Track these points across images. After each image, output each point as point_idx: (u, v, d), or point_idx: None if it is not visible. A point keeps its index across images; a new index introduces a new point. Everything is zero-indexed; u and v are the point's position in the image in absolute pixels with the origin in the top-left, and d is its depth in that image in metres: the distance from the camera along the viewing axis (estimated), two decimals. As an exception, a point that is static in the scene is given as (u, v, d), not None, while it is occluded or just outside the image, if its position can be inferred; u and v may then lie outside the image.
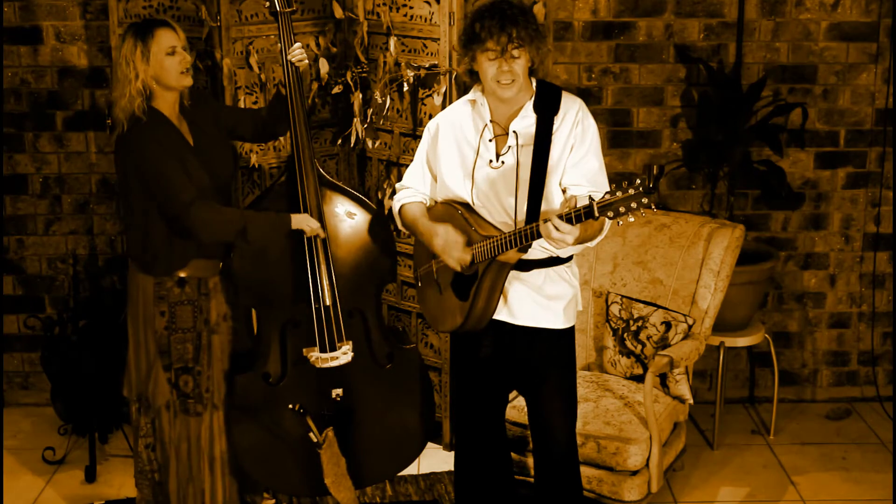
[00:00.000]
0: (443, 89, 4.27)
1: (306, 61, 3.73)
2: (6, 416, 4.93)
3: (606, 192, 3.00)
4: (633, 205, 2.94)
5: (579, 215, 3.02)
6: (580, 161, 3.32)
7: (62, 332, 4.62)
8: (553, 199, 3.32)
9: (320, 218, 3.69)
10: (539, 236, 3.17)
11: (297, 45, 3.71)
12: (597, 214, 3.00)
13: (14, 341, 5.07)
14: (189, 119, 3.64)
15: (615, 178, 3.07)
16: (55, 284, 5.02)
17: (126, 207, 3.67)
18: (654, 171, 2.94)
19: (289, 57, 3.67)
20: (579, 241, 3.17)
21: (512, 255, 3.30)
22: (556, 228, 3.05)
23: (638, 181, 2.94)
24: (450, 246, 3.36)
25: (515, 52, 3.23)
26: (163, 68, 3.49)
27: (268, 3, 3.70)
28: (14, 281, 5.03)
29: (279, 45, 3.71)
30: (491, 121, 3.39)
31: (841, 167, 4.97)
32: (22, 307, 5.02)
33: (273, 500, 4.06)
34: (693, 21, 4.83)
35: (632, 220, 2.97)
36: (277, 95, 3.79)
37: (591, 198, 3.02)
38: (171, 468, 3.72)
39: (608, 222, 3.23)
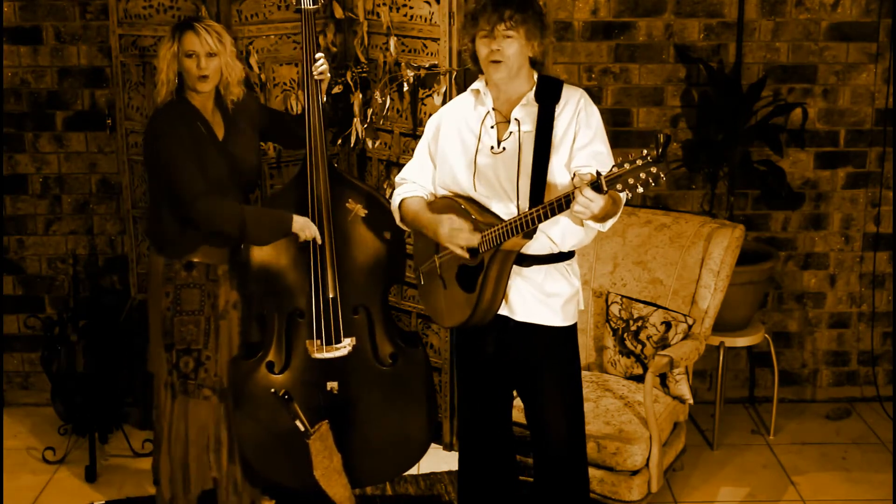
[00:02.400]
0: (443, 89, 4.27)
1: (328, 75, 3.82)
2: (6, 416, 4.93)
3: (613, 166, 2.95)
4: (643, 175, 2.89)
5: (598, 185, 2.96)
6: (588, 144, 3.31)
7: (62, 332, 4.62)
8: (556, 184, 3.30)
9: (328, 211, 3.72)
10: (542, 219, 3.16)
11: (321, 59, 3.78)
12: (605, 188, 2.95)
13: (14, 341, 5.07)
14: (224, 114, 3.74)
15: (623, 155, 3.04)
16: (55, 284, 5.03)
17: (149, 189, 3.84)
18: (661, 140, 2.84)
19: (311, 69, 3.76)
20: (602, 215, 3.10)
21: (517, 242, 3.29)
22: (586, 198, 2.98)
23: (645, 151, 2.88)
24: (455, 231, 3.33)
25: (507, 33, 3.25)
26: (182, 68, 3.63)
27: (294, 1, 3.78)
28: (14, 281, 5.03)
29: (301, 43, 3.77)
30: (493, 108, 3.40)
31: (841, 167, 4.97)
32: (22, 307, 5.02)
33: (273, 502, 4.06)
34: (693, 21, 4.83)
35: (640, 190, 2.90)
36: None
37: (597, 172, 2.98)
38: (162, 446, 3.79)
39: (624, 199, 3.20)
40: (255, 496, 3.94)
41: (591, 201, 2.99)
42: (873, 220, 5.00)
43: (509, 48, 3.27)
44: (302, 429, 3.67)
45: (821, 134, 4.94)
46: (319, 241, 3.71)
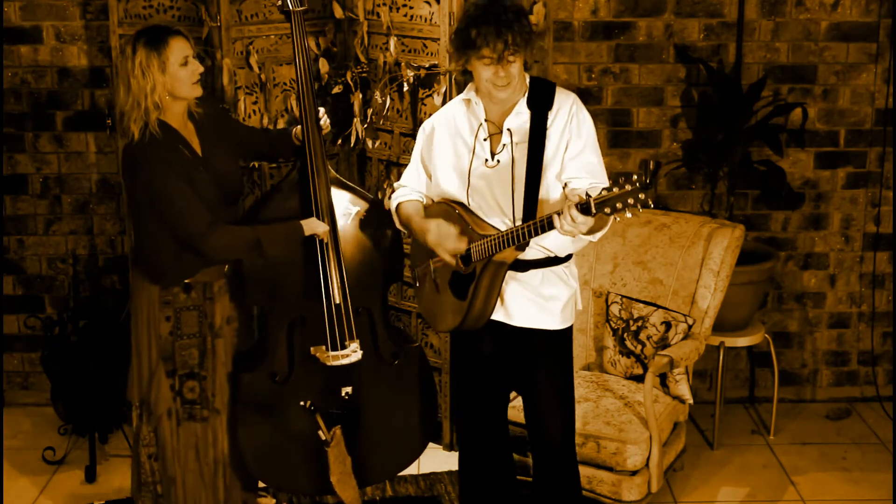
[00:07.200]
0: (443, 89, 4.27)
1: (329, 127, 3.83)
2: (6, 416, 4.93)
3: (603, 189, 2.99)
4: (630, 201, 2.92)
5: (587, 208, 2.99)
6: (579, 154, 3.31)
7: (62, 332, 4.62)
8: (549, 196, 3.31)
9: (331, 217, 3.70)
10: (534, 234, 3.17)
11: (323, 114, 3.76)
12: (594, 211, 2.99)
13: (14, 341, 5.07)
14: (197, 125, 3.60)
15: (614, 178, 3.08)
16: (55, 284, 5.02)
17: (135, 220, 3.62)
18: (651, 167, 2.92)
19: (307, 75, 3.66)
20: (588, 232, 3.13)
21: (509, 254, 3.30)
22: (572, 219, 3.02)
23: (634, 177, 2.93)
24: (442, 238, 3.34)
25: (511, 58, 3.22)
26: (176, 79, 3.44)
27: (280, 2, 3.67)
28: (14, 281, 5.03)
29: (293, 47, 3.68)
30: (486, 119, 3.38)
31: (841, 167, 4.97)
32: (22, 307, 5.02)
33: (273, 501, 4.06)
34: (693, 21, 4.83)
35: (629, 215, 2.94)
36: (286, 132, 3.82)
37: (587, 194, 3.01)
38: (177, 480, 3.67)
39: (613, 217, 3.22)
40: (248, 496, 3.89)
41: (578, 223, 3.02)
42: (873, 220, 5.00)
43: (514, 69, 3.25)
44: (323, 438, 3.66)
45: (821, 134, 4.94)
46: (326, 239, 3.68)
